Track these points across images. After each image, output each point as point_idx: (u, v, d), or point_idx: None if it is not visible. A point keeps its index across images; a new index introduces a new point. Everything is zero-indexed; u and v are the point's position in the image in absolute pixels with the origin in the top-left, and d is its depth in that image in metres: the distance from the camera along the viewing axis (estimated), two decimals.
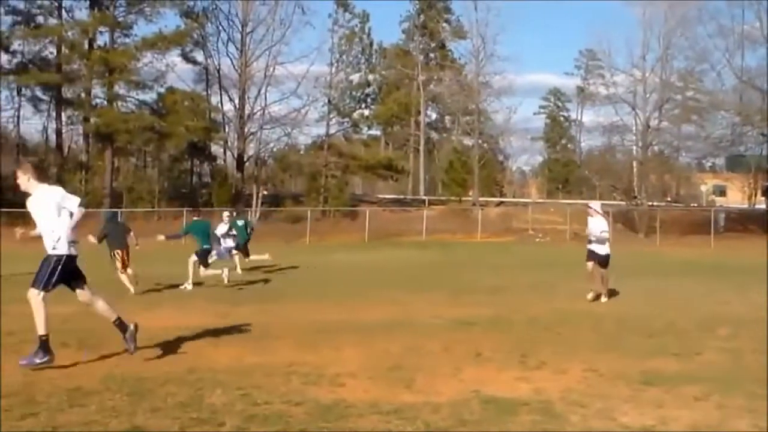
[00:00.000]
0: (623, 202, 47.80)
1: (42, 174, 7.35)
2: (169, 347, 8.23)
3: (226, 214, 20.72)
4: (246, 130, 47.38)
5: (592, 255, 13.01)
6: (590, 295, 12.74)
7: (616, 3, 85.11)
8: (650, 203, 44.59)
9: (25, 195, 7.21)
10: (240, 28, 47.17)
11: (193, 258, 15.25)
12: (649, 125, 45.24)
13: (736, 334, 9.28)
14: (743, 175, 59.18)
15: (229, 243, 19.35)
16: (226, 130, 49.80)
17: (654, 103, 45.45)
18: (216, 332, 9.28)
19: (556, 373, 7.05)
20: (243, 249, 19.06)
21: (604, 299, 12.75)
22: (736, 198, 61.49)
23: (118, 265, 14.27)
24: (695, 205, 56.15)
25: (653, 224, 39.23)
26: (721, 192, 66.95)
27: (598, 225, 13.11)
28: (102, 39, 46.45)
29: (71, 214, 7.05)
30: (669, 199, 55.77)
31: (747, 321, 10.29)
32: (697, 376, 6.88)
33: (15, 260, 22.14)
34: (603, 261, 12.91)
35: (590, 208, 13.53)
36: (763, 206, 46.98)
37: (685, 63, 44.82)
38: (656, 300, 13.30)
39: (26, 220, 7.59)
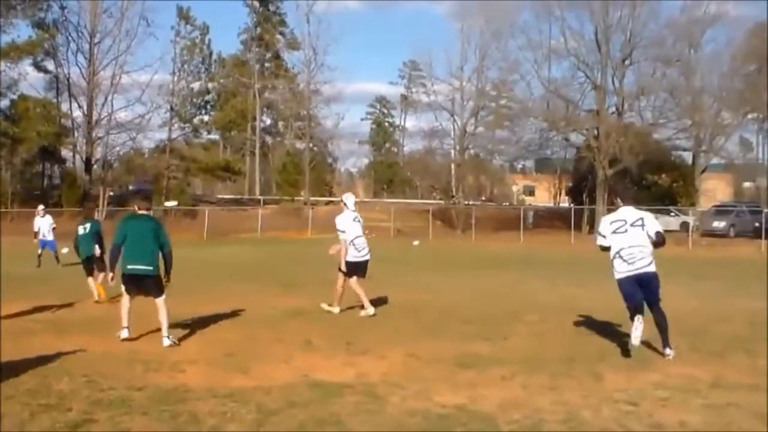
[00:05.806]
0: (442, 201, 50.02)
1: None
2: (18, 339, 8.29)
3: (40, 207, 20.40)
4: (94, 135, 48.87)
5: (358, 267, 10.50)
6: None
7: (438, 18, 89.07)
8: (467, 202, 46.91)
9: None
10: (88, 39, 48.87)
11: None
12: (466, 130, 47.67)
13: (542, 320, 10.09)
14: (550, 176, 63.72)
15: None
16: (76, 135, 51.54)
17: (470, 110, 48.05)
18: (61, 323, 9.55)
19: (378, 359, 7.49)
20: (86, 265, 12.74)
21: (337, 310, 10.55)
22: (543, 197, 66.08)
23: None
24: (507, 203, 59.74)
25: (469, 221, 41.07)
26: (531, 192, 71.86)
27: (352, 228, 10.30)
28: None
29: None
30: (484, 198, 58.98)
31: (552, 308, 11.19)
32: (505, 358, 7.48)
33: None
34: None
35: (344, 203, 10.63)
36: (567, 204, 50.71)
37: (498, 73, 47.50)
38: (472, 291, 14.08)
39: None
